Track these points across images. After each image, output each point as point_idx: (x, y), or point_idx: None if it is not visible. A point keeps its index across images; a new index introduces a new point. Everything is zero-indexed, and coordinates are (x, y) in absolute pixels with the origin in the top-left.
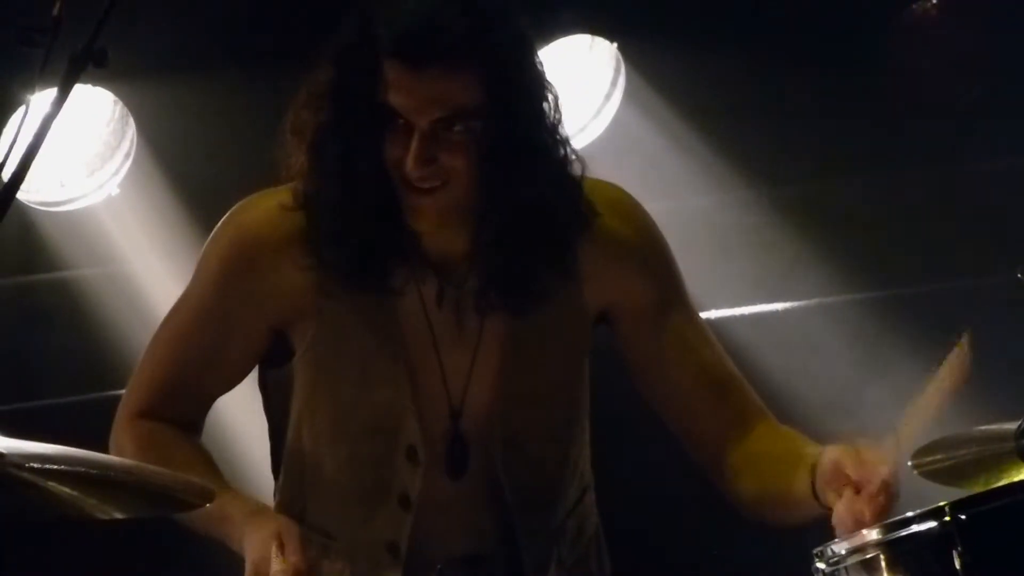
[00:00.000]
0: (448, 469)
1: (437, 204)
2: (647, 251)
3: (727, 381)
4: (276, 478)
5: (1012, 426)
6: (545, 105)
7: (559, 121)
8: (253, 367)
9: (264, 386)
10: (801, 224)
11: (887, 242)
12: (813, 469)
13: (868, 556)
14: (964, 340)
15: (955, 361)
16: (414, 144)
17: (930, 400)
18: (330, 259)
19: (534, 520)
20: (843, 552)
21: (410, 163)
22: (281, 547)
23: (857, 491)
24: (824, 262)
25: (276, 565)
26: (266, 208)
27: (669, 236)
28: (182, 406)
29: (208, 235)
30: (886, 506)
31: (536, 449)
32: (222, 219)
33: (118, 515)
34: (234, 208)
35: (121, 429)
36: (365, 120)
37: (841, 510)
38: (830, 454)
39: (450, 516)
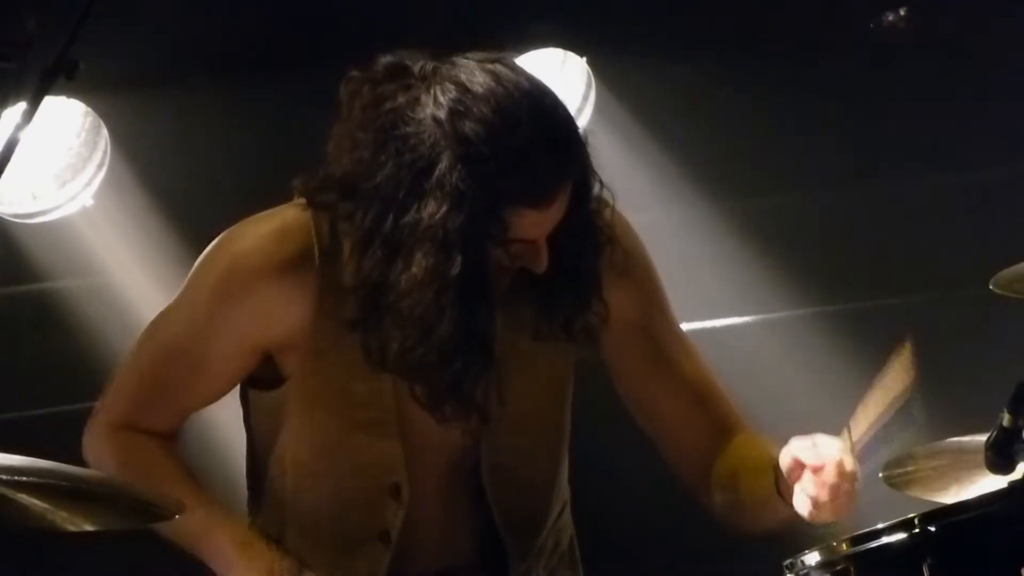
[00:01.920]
0: (455, 490)
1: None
2: (629, 264)
3: (707, 395)
4: (250, 489)
5: (982, 438)
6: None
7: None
8: (236, 385)
9: (246, 403)
10: (761, 238)
11: (847, 256)
12: (776, 468)
13: (838, 568)
14: (906, 347)
15: (898, 367)
16: (540, 253)
17: (877, 402)
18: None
19: (523, 543)
20: (813, 564)
21: (538, 269)
22: None
23: (814, 478)
24: (784, 276)
25: None
26: (260, 237)
27: None
28: (162, 419)
29: (183, 243)
30: (842, 487)
31: (525, 474)
32: (214, 244)
33: (88, 527)
34: (227, 235)
35: (100, 439)
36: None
37: (799, 492)
38: (787, 448)
39: (426, 541)
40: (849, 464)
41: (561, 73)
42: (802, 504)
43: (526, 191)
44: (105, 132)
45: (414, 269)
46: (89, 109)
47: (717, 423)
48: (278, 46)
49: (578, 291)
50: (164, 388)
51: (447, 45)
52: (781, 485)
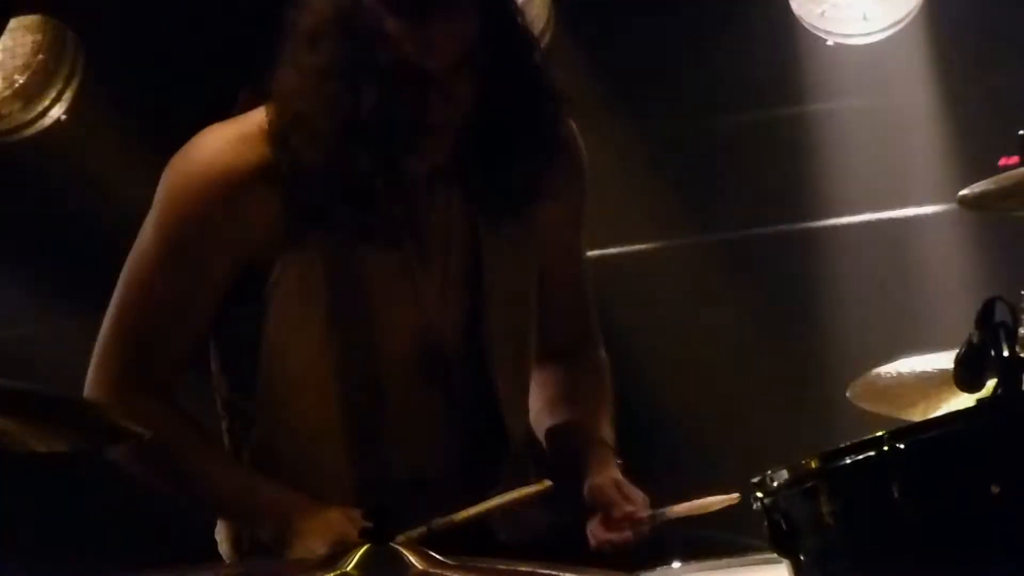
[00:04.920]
0: (423, 391)
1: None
2: (575, 177)
3: (576, 308)
4: (225, 424)
5: (950, 355)
6: (531, 42)
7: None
8: (220, 309)
9: (220, 326)
10: (630, 168)
11: (715, 186)
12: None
13: (807, 486)
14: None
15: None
16: (435, 89)
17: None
18: (345, 225)
19: (518, 426)
20: (782, 482)
21: (432, 110)
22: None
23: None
24: (655, 206)
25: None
26: (225, 139)
27: None
28: (159, 370)
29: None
30: (627, 537)
31: (519, 356)
32: (177, 156)
33: (59, 448)
34: (190, 143)
35: (117, 400)
36: (373, 80)
37: (592, 528)
38: (596, 479)
39: (417, 441)
40: (642, 513)
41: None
42: (593, 536)
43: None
44: (73, 45)
45: (321, 105)
46: (52, 22)
47: (570, 336)
48: None
49: (517, 154)
50: (155, 324)
51: None
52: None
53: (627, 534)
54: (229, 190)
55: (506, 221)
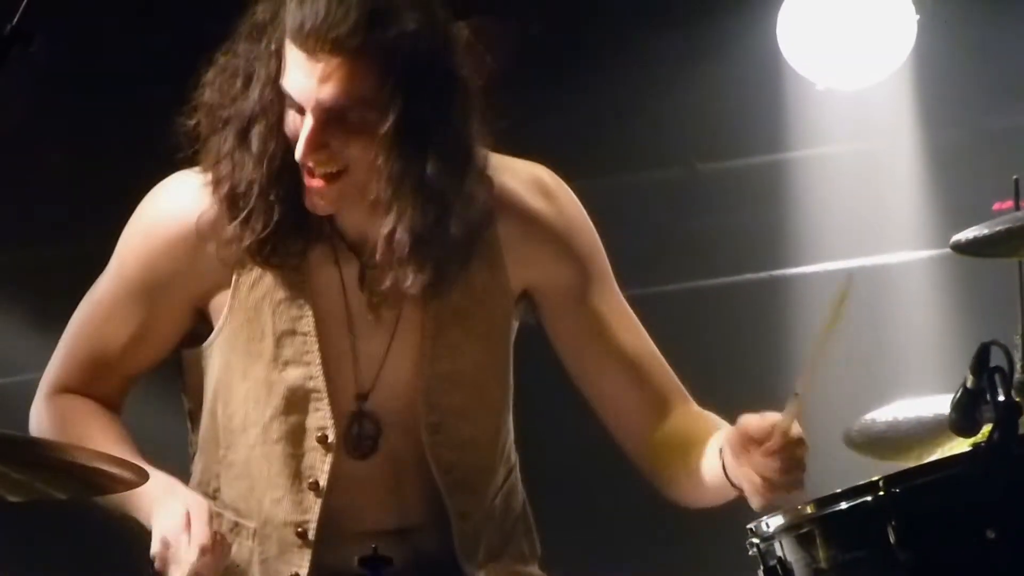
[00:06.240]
0: (353, 454)
1: (332, 192)
2: (567, 231)
3: (647, 363)
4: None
5: (943, 399)
6: (452, 96)
7: (468, 113)
8: (174, 347)
9: (182, 367)
10: (613, 214)
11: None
12: (722, 449)
13: (803, 531)
14: (846, 285)
15: (838, 304)
16: (305, 128)
17: (818, 348)
18: (239, 237)
19: (465, 503)
20: (778, 527)
21: (301, 147)
22: (189, 523)
23: (762, 449)
24: (647, 253)
25: (183, 540)
26: (188, 188)
27: None
28: (102, 385)
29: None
30: (793, 458)
31: (465, 431)
32: (145, 200)
33: (60, 495)
34: (156, 189)
35: (39, 405)
36: (270, 101)
37: (749, 471)
38: (736, 425)
39: (365, 498)
40: (796, 430)
41: None
42: (750, 485)
43: (290, 21)
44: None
45: (218, 95)
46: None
47: (655, 396)
48: None
49: (422, 233)
50: (102, 351)
51: None
52: (727, 464)
53: (789, 454)
54: (187, 238)
55: (445, 293)
